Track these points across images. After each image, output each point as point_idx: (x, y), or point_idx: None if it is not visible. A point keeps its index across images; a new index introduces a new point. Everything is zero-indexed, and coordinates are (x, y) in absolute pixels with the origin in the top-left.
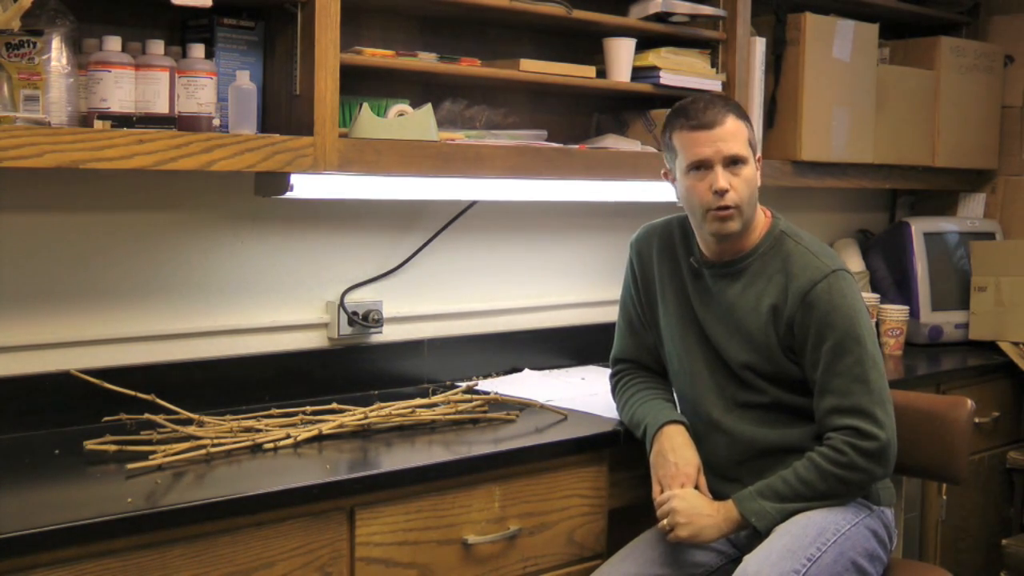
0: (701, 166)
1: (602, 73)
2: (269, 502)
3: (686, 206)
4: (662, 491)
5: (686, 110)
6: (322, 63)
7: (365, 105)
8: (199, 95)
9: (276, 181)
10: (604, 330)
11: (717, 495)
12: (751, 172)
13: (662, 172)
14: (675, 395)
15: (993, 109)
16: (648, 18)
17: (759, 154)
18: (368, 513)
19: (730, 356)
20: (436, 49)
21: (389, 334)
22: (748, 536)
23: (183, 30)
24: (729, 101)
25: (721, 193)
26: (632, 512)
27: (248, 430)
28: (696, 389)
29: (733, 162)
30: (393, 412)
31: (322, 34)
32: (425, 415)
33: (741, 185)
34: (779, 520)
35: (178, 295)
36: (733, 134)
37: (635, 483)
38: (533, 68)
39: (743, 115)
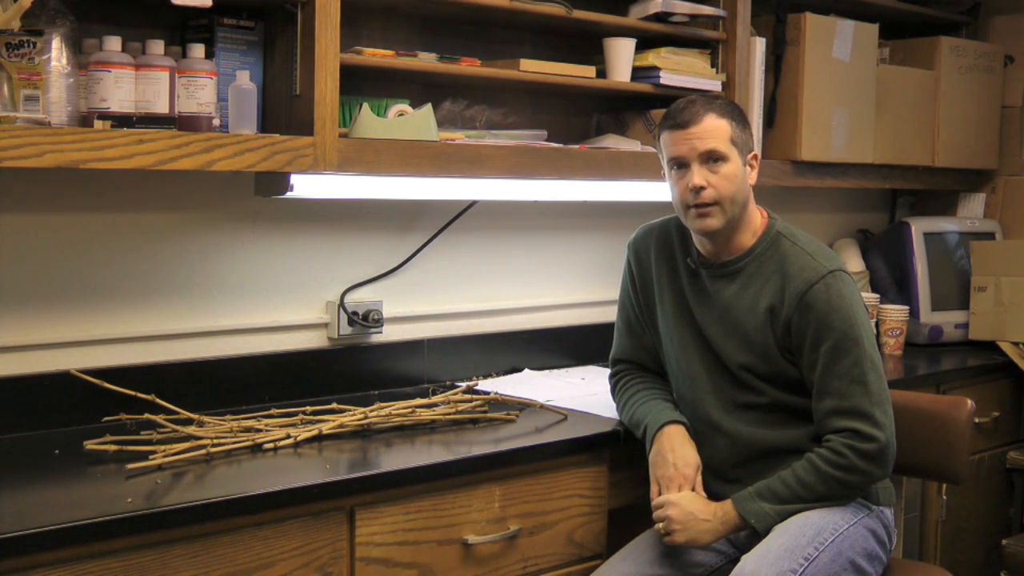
0: (680, 164)
1: (602, 73)
2: (269, 502)
3: (673, 204)
4: (660, 492)
5: (670, 111)
6: (322, 63)
7: (365, 105)
8: (199, 95)
9: (276, 181)
10: (604, 330)
11: (717, 496)
12: (732, 169)
13: (661, 172)
14: (675, 396)
15: (993, 109)
16: (648, 18)
17: (754, 152)
18: (368, 513)
19: (728, 357)
20: (436, 49)
21: (389, 334)
22: (748, 536)
23: (183, 30)
24: (715, 100)
25: (696, 190)
26: (632, 512)
27: (248, 430)
28: (695, 390)
29: (712, 160)
30: (393, 412)
31: (322, 34)
32: (425, 415)
33: (720, 182)
34: (778, 522)
35: (178, 295)
36: (710, 132)
37: (635, 483)
38: (533, 68)
39: (729, 113)
